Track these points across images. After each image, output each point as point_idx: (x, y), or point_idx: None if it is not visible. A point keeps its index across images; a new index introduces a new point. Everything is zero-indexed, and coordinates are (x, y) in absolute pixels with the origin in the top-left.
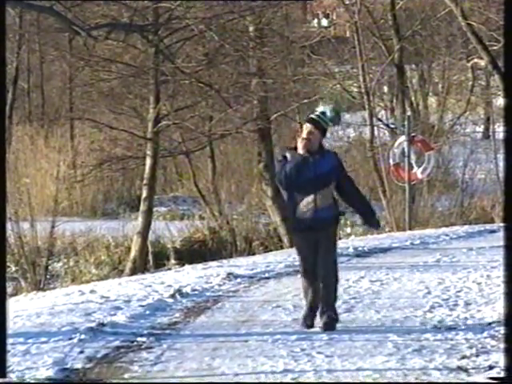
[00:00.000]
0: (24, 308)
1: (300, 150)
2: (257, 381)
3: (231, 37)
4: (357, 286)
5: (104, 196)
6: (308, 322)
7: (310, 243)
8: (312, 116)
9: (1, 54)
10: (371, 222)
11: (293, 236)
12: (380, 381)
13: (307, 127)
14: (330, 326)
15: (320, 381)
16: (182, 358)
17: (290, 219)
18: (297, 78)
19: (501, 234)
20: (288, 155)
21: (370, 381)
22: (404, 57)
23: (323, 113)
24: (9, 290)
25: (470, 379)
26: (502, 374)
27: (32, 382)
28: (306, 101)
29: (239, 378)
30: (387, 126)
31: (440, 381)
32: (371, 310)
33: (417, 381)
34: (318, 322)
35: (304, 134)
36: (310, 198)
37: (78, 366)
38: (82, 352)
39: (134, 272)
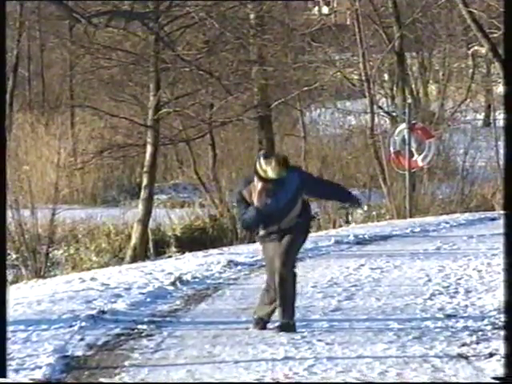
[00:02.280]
0: (25, 295)
1: (256, 204)
2: (257, 370)
3: (232, 24)
4: (357, 273)
5: (104, 183)
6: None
7: (274, 251)
8: (261, 175)
9: (1, 43)
10: (354, 204)
11: (262, 249)
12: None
13: (259, 184)
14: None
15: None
16: (182, 346)
17: (258, 233)
18: (297, 65)
19: (501, 221)
20: (246, 194)
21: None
22: (404, 44)
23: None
24: (9, 277)
25: (471, 367)
26: (502, 362)
27: (32, 382)
28: (306, 88)
29: (239, 365)
30: (388, 113)
31: (439, 378)
32: (372, 297)
33: (416, 381)
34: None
35: (257, 188)
36: (275, 226)
37: (79, 353)
38: (82, 339)
39: (134, 260)
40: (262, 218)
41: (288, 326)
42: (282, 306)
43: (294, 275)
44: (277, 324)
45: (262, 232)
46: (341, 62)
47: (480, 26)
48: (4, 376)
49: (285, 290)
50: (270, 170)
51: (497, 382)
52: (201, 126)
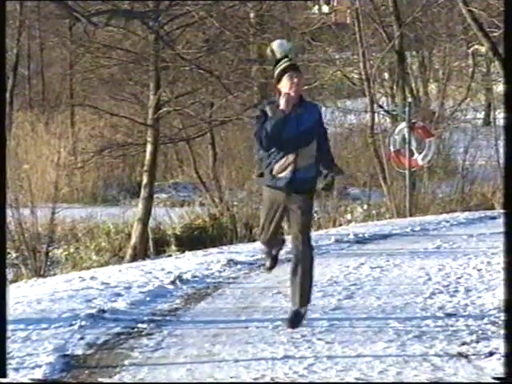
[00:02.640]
0: (24, 294)
1: (282, 106)
2: (257, 368)
3: (232, 23)
4: (357, 272)
5: (104, 182)
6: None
7: (279, 205)
8: (290, 62)
9: (1, 43)
10: (335, 172)
11: (263, 192)
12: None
13: (292, 77)
14: (296, 323)
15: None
16: (182, 345)
17: (264, 175)
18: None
19: (501, 220)
20: (268, 111)
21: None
22: (404, 43)
23: (290, 49)
24: (9, 276)
25: (471, 365)
26: (502, 361)
27: (32, 381)
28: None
29: (239, 364)
30: (388, 112)
31: (439, 374)
32: (371, 296)
33: (414, 381)
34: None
35: (289, 87)
36: (291, 156)
37: (79, 352)
38: (82, 338)
39: (134, 258)
40: (283, 129)
41: (298, 316)
42: (300, 289)
43: (312, 250)
44: (287, 315)
45: (274, 167)
46: (341, 61)
47: (480, 25)
48: (4, 376)
49: (304, 274)
50: (281, 49)
51: (497, 382)
52: (201, 125)
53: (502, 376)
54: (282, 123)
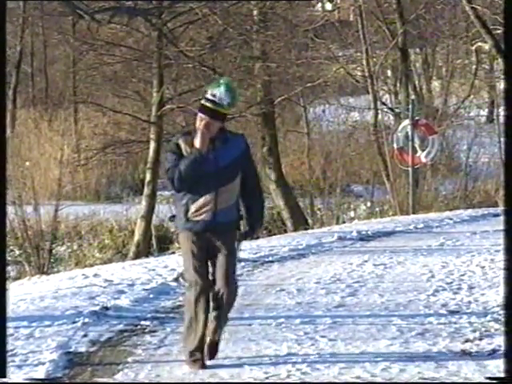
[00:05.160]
0: (28, 292)
1: (197, 144)
2: (260, 366)
3: (235, 20)
4: (360, 269)
5: (108, 180)
6: (199, 358)
7: (202, 252)
8: (206, 104)
9: (1, 43)
10: (251, 228)
11: (180, 237)
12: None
13: (202, 118)
14: (215, 352)
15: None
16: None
17: (178, 219)
18: (300, 61)
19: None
20: (182, 145)
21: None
22: (408, 40)
23: (215, 96)
24: (13, 273)
25: (474, 363)
26: (503, 359)
27: (32, 382)
28: (309, 84)
29: (243, 362)
30: (391, 109)
31: (440, 375)
32: (375, 293)
33: (406, 380)
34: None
35: (199, 127)
36: (209, 196)
37: (82, 349)
38: (85, 335)
39: (137, 256)
40: (199, 169)
41: (214, 344)
42: (216, 326)
43: (235, 295)
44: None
45: (190, 208)
46: (344, 59)
47: (483, 22)
48: (4, 376)
49: (223, 313)
50: (220, 91)
51: (497, 382)
52: None
53: (502, 376)
54: (197, 164)
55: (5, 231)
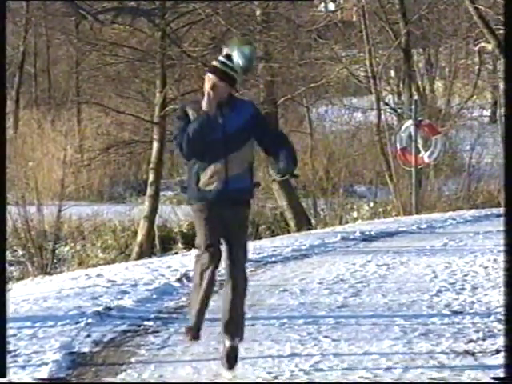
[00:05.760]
0: (31, 292)
1: (204, 107)
2: (264, 366)
3: (238, 21)
4: (363, 270)
5: (111, 180)
6: (195, 332)
7: (214, 221)
8: (215, 64)
9: (1, 43)
10: (286, 170)
11: (193, 209)
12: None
13: (209, 79)
14: (234, 360)
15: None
16: (188, 342)
17: (190, 189)
18: (303, 62)
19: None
20: (190, 112)
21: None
22: (411, 41)
23: (229, 58)
24: (16, 273)
25: (477, 363)
26: (503, 358)
27: (32, 382)
28: (312, 85)
29: (246, 362)
30: (394, 110)
31: (443, 375)
32: (378, 294)
33: (410, 381)
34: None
35: (206, 87)
36: (219, 164)
37: (85, 349)
38: (88, 336)
39: (140, 256)
40: (207, 133)
41: (233, 351)
42: (228, 321)
43: (245, 279)
44: (222, 349)
45: (196, 192)
46: (347, 59)
47: (486, 23)
48: (4, 376)
49: (233, 300)
50: (234, 53)
51: (497, 382)
52: None
53: (502, 376)
54: (205, 125)
55: (5, 231)
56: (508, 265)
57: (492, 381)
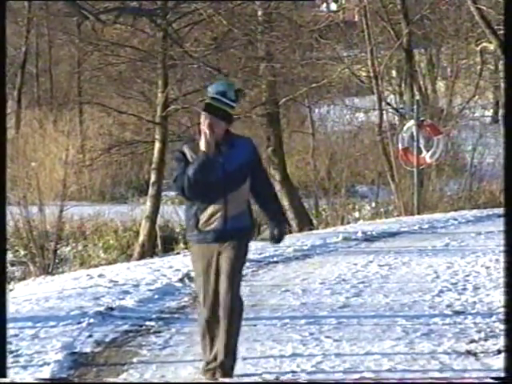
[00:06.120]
0: (33, 292)
1: (202, 147)
2: (265, 366)
3: (240, 21)
4: (365, 270)
5: (112, 180)
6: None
7: (211, 270)
8: (209, 102)
9: (1, 43)
10: (274, 234)
11: (192, 250)
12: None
13: (205, 117)
14: (226, 373)
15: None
16: (190, 342)
17: (189, 230)
18: (305, 62)
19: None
20: (187, 152)
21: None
22: (412, 41)
23: (223, 94)
24: (17, 274)
25: (479, 363)
26: (504, 358)
27: (34, 382)
28: (314, 85)
29: (247, 362)
30: (396, 110)
31: (445, 375)
32: (380, 294)
33: (412, 381)
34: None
35: (203, 127)
36: (219, 205)
37: (87, 350)
38: (90, 336)
39: (142, 256)
40: (207, 173)
41: (225, 365)
42: (225, 341)
43: (241, 303)
44: (216, 363)
45: (200, 218)
46: (349, 59)
47: (488, 23)
48: (4, 376)
49: (229, 324)
50: (223, 88)
51: (497, 382)
52: None
53: (502, 376)
54: (206, 166)
55: (5, 231)
56: (508, 265)
57: (492, 381)
